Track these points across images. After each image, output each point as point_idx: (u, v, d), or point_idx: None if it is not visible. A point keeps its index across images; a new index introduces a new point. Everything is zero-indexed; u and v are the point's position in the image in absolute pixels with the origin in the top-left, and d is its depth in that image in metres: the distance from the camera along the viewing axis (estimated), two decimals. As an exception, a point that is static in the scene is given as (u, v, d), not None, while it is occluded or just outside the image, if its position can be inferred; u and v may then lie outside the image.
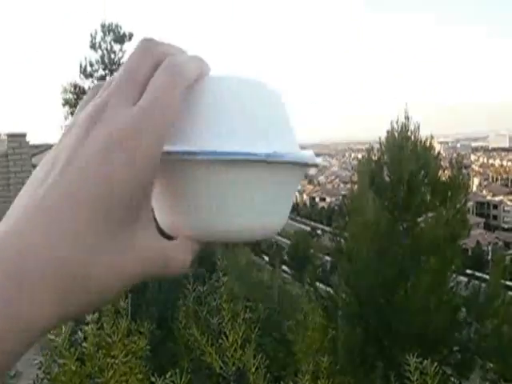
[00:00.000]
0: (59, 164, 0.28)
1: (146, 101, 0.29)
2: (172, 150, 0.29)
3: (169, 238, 0.32)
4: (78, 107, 0.33)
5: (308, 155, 0.32)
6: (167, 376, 2.26)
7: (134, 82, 0.30)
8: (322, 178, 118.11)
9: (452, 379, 3.53)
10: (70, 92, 13.42)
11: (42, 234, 0.25)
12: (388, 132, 5.66)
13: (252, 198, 0.30)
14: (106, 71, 13.48)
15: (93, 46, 13.26)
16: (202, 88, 0.31)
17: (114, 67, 13.43)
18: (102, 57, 13.36)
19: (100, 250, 0.26)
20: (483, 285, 4.47)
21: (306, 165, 0.33)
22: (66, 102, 13.35)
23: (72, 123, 0.30)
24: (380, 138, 5.82)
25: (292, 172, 0.32)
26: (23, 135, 10.64)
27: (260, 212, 0.31)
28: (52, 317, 0.25)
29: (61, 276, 0.25)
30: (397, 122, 5.61)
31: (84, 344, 2.46)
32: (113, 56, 13.43)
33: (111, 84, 0.31)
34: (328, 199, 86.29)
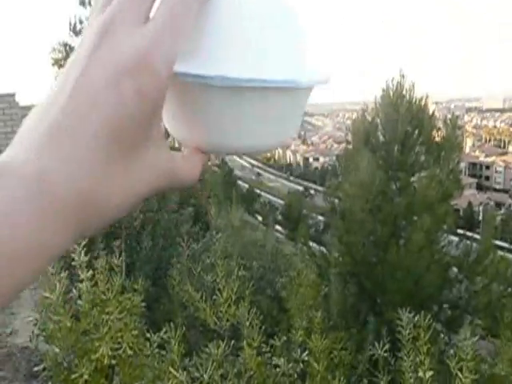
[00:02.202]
0: (68, 86, 0.27)
1: (157, 21, 0.27)
2: (187, 72, 0.28)
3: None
4: (90, 13, 0.31)
5: (324, 77, 0.31)
6: (162, 332, 2.28)
7: None
8: (315, 139, 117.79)
9: (442, 335, 3.63)
10: (60, 51, 13.07)
11: (60, 160, 0.25)
12: (383, 90, 5.59)
13: (263, 119, 0.30)
14: (96, 28, 13.15)
15: (82, 3, 12.82)
16: (213, 5, 0.29)
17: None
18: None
19: (114, 174, 0.27)
20: (474, 244, 4.54)
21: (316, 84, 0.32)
22: (56, 62, 13.02)
23: (83, 38, 0.29)
24: (376, 97, 5.75)
25: (304, 93, 0.32)
26: (12, 95, 10.41)
27: (272, 129, 0.31)
28: (69, 239, 0.26)
29: (80, 203, 0.25)
30: (392, 81, 5.53)
31: (79, 301, 2.47)
32: (103, 13, 13.08)
33: None
34: (321, 159, 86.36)
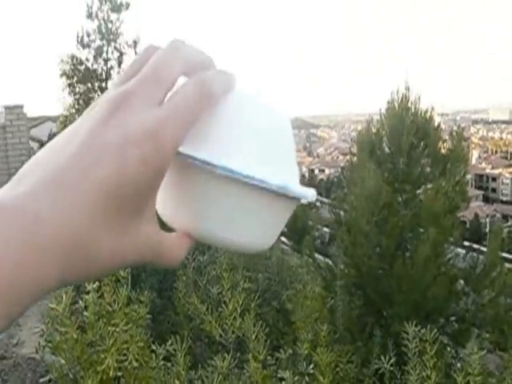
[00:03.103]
0: (77, 140, 0.29)
1: (171, 106, 0.30)
2: (193, 156, 0.30)
3: (167, 228, 0.34)
4: (110, 85, 0.35)
5: (310, 194, 0.34)
6: (167, 344, 2.28)
7: (162, 82, 0.31)
8: (321, 150, 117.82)
9: (448, 348, 3.59)
10: (67, 63, 13.22)
11: (57, 205, 0.27)
12: (388, 102, 5.59)
13: (253, 219, 0.32)
14: (103, 41, 13.25)
15: (89, 16, 12.98)
16: (224, 104, 0.32)
17: (111, 37, 13.19)
18: (99, 26, 13.09)
19: (106, 232, 0.28)
20: (481, 256, 4.50)
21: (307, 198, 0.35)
22: (64, 73, 13.16)
23: (99, 102, 0.31)
24: (380, 110, 5.76)
25: (292, 204, 0.34)
26: (20, 107, 10.53)
27: (259, 233, 0.33)
28: (54, 280, 0.27)
29: (70, 246, 0.27)
30: (397, 93, 5.54)
31: (85, 313, 2.48)
32: (110, 25, 13.17)
33: (139, 75, 0.31)
34: (327, 171, 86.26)
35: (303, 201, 0.34)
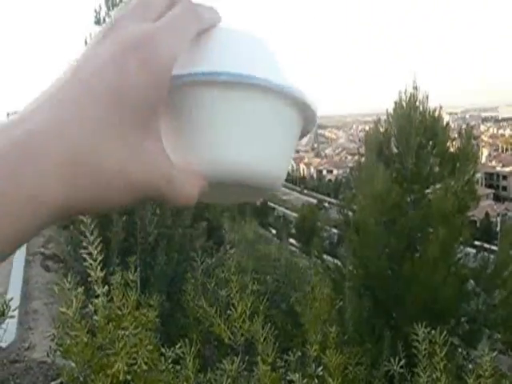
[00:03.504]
0: (77, 63, 0.29)
1: (162, 20, 0.30)
2: (193, 71, 0.30)
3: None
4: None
5: (311, 101, 0.33)
6: (177, 347, 2.29)
7: (150, 7, 0.31)
8: (329, 151, 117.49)
9: (459, 349, 3.56)
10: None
11: (55, 118, 0.26)
12: (396, 103, 5.56)
13: (263, 133, 0.31)
14: (112, 47, 13.40)
15: (97, 22, 13.11)
16: (210, 35, 0.32)
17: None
18: (108, 32, 13.26)
19: (111, 145, 0.27)
20: (492, 256, 4.46)
21: (309, 109, 0.34)
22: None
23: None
24: (387, 110, 5.73)
25: (297, 115, 0.33)
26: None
27: (273, 149, 0.32)
28: (58, 196, 0.26)
29: (69, 158, 0.26)
30: (405, 93, 5.51)
31: (95, 317, 2.49)
32: (118, 31, 13.34)
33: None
34: (335, 172, 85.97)
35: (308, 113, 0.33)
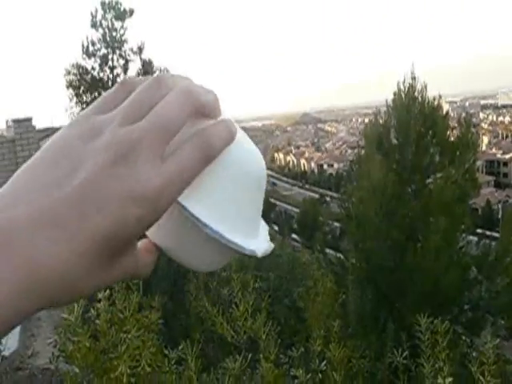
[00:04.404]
0: (79, 178, 0.29)
1: (176, 167, 0.31)
2: (189, 209, 0.33)
3: None
4: (99, 99, 0.34)
5: (262, 251, 0.39)
6: (179, 348, 2.29)
7: (170, 133, 0.31)
8: (329, 145, 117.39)
9: (463, 337, 3.55)
10: (73, 74, 13.32)
11: (54, 249, 0.27)
12: (395, 94, 5.55)
13: (213, 259, 0.39)
14: (109, 49, 13.32)
15: (94, 25, 13.05)
16: (221, 158, 0.34)
17: (116, 45, 13.26)
18: (104, 35, 13.16)
19: (93, 273, 0.29)
20: (493, 243, 4.45)
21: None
22: (70, 84, 13.27)
23: (95, 124, 0.32)
24: (386, 101, 5.72)
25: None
26: (29, 120, 10.65)
27: (213, 264, 0.40)
28: (34, 312, 0.28)
29: (58, 288, 0.28)
30: (403, 83, 5.49)
31: (97, 321, 2.50)
32: (114, 34, 13.23)
33: (145, 119, 0.31)
34: (336, 165, 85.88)
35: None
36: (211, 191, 0.35)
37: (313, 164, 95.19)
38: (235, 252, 0.37)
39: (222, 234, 0.34)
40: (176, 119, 0.32)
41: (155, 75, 0.34)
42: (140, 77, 0.35)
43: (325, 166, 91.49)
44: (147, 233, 0.37)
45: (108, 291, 2.51)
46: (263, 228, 0.43)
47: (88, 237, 0.28)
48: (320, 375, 2.09)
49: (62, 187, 0.29)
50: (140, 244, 0.35)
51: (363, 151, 5.97)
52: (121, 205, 0.29)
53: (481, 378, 1.84)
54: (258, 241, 0.40)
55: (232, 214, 0.36)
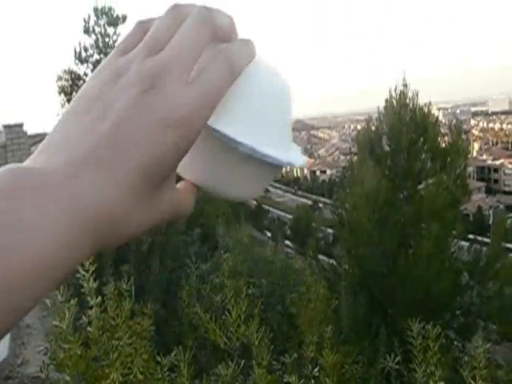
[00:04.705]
0: (111, 117, 0.29)
1: (204, 88, 0.31)
2: (221, 131, 0.33)
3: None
4: (119, 43, 0.35)
5: (301, 162, 0.40)
6: (172, 355, 2.27)
7: (193, 56, 0.32)
8: (322, 152, 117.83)
9: (455, 342, 3.56)
10: (65, 80, 13.30)
11: (96, 185, 0.28)
12: (386, 101, 5.60)
13: (252, 180, 0.38)
14: (101, 55, 13.31)
15: (86, 31, 13.01)
16: (244, 76, 0.35)
17: (108, 51, 13.25)
18: (97, 41, 13.12)
19: (137, 206, 0.30)
20: (485, 248, 4.48)
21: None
22: (62, 90, 13.23)
23: (124, 64, 0.32)
24: (378, 108, 5.76)
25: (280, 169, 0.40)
26: (20, 125, 10.61)
27: (252, 190, 0.40)
28: (86, 255, 0.28)
29: (104, 225, 0.28)
30: (395, 91, 5.55)
31: (89, 328, 2.48)
32: (107, 39, 13.20)
33: (167, 47, 0.32)
34: (329, 172, 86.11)
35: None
36: (239, 109, 0.35)
37: (306, 170, 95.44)
38: (274, 168, 0.37)
39: (256, 148, 0.34)
40: (197, 43, 0.32)
41: (171, 5, 0.34)
42: (155, 17, 0.35)
43: (317, 173, 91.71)
44: (180, 173, 0.37)
45: (100, 298, 2.50)
46: (294, 145, 0.42)
47: (129, 171, 0.29)
48: (313, 381, 2.09)
49: (97, 128, 0.29)
50: (178, 185, 0.36)
51: (355, 157, 6.01)
52: (156, 132, 0.29)
53: (472, 382, 1.85)
54: (293, 153, 0.39)
55: (263, 129, 0.36)
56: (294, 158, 0.38)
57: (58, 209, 0.26)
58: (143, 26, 0.35)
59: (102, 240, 0.28)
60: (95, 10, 13.04)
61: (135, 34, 0.35)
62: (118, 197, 0.28)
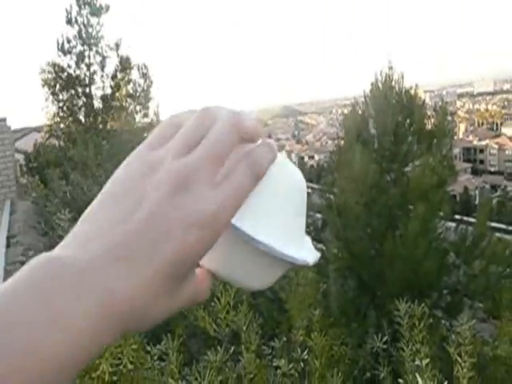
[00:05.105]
0: (142, 213, 0.31)
1: (230, 190, 0.33)
2: (241, 229, 0.35)
3: None
4: (151, 137, 0.37)
5: (313, 258, 0.41)
6: (162, 344, 2.28)
7: (221, 159, 0.34)
8: (309, 137, 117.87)
9: (443, 321, 3.62)
10: (49, 72, 13.06)
11: (129, 281, 0.30)
12: (372, 84, 5.59)
13: (265, 275, 0.40)
14: (85, 46, 13.08)
15: (69, 22, 12.78)
16: (266, 177, 0.37)
17: (92, 41, 13.03)
18: (80, 32, 12.90)
19: (161, 299, 0.31)
20: (470, 228, 4.53)
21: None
22: (45, 83, 13.01)
23: (154, 160, 0.34)
24: (364, 91, 5.75)
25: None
26: (3, 120, 10.44)
27: (265, 282, 0.41)
28: (110, 343, 0.30)
29: (132, 316, 0.30)
30: (381, 73, 5.54)
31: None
32: (90, 30, 12.99)
33: (197, 149, 0.34)
34: (316, 157, 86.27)
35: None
36: (259, 209, 0.37)
37: (293, 156, 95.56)
38: (288, 264, 0.39)
39: (275, 247, 0.36)
40: (225, 146, 0.34)
41: (202, 108, 0.36)
42: (185, 111, 0.38)
43: (306, 158, 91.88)
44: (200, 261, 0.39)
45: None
46: (307, 238, 0.44)
47: (157, 266, 0.30)
48: (302, 364, 2.11)
49: (129, 222, 0.31)
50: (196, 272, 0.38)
51: (342, 142, 6.01)
52: (184, 232, 0.31)
53: (458, 358, 1.88)
54: (307, 250, 0.41)
55: (281, 228, 0.38)
56: (308, 256, 0.41)
57: (91, 300, 0.28)
58: (174, 121, 0.37)
59: (128, 327, 0.31)
60: (78, 0, 12.79)
61: (166, 128, 0.37)
62: (145, 291, 0.30)
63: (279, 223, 0.38)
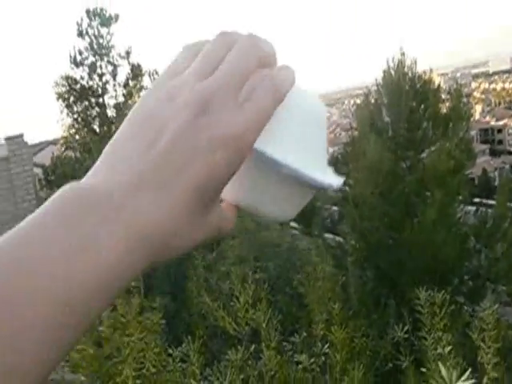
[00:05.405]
0: (167, 138, 0.31)
1: (252, 110, 0.33)
2: (267, 153, 0.34)
3: None
4: (170, 65, 0.36)
5: (337, 183, 0.39)
6: (183, 346, 2.29)
7: (242, 80, 0.33)
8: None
9: (465, 307, 3.55)
10: (62, 85, 13.27)
11: (153, 204, 0.29)
12: (384, 71, 5.52)
13: (290, 203, 0.39)
14: (96, 57, 13.25)
15: (80, 34, 12.97)
16: (286, 101, 0.36)
17: (103, 51, 13.19)
18: (91, 43, 13.07)
19: (189, 224, 0.31)
20: (490, 211, 4.44)
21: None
22: (60, 96, 13.22)
23: (176, 86, 0.33)
24: (376, 80, 5.68)
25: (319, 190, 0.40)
26: (20, 136, 10.62)
27: (290, 211, 0.40)
28: (139, 270, 0.29)
29: (159, 242, 0.29)
30: (393, 60, 5.47)
31: (100, 327, 2.50)
32: (101, 41, 13.16)
33: (218, 71, 0.33)
34: (331, 149, 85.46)
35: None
36: (281, 133, 0.36)
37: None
38: (311, 191, 0.38)
39: (300, 170, 0.35)
40: (245, 68, 0.34)
41: (219, 32, 0.36)
42: (200, 40, 0.37)
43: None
44: (222, 194, 0.37)
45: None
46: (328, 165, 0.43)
47: (183, 188, 0.30)
48: (323, 358, 2.10)
49: (153, 148, 0.31)
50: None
51: (356, 132, 5.96)
52: (209, 153, 0.31)
53: (481, 344, 1.85)
54: (330, 175, 0.40)
55: (304, 152, 0.37)
56: (333, 180, 0.39)
57: (119, 226, 0.28)
58: (191, 49, 0.37)
59: (157, 254, 0.30)
60: (87, 12, 12.95)
61: (184, 56, 0.37)
62: (173, 214, 0.30)
63: (301, 148, 0.37)
